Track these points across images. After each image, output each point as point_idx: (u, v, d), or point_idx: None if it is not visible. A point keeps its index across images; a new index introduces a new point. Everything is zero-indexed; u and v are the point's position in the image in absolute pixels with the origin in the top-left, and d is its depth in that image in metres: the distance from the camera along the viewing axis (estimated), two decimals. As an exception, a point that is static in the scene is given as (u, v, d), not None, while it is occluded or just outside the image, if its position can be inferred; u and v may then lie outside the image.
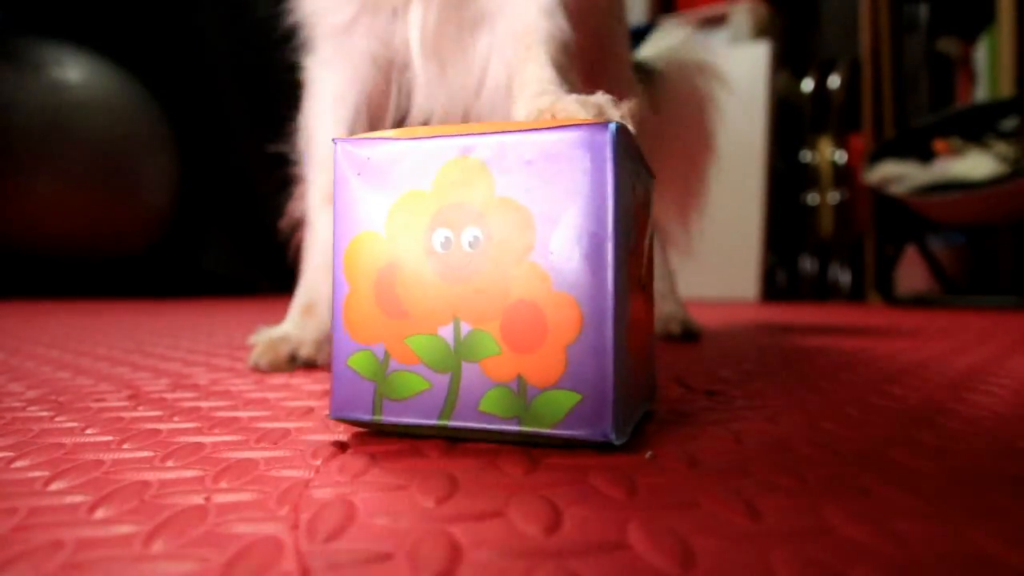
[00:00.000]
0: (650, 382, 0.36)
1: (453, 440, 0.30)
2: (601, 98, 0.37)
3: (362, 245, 0.30)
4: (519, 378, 0.28)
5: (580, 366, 0.27)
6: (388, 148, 0.30)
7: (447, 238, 0.29)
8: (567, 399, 0.27)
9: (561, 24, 0.50)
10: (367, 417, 0.30)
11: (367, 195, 0.30)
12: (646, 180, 0.34)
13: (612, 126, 0.27)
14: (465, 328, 0.28)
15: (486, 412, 0.28)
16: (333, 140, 0.32)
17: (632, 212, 0.29)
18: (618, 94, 0.41)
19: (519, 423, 0.28)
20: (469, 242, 0.28)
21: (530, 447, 0.29)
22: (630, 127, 0.33)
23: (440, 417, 0.29)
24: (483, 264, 0.28)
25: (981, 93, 1.90)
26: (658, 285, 0.73)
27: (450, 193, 0.29)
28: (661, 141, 0.78)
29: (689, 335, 0.76)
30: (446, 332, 0.29)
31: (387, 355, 0.29)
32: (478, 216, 0.28)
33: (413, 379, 0.29)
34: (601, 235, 0.27)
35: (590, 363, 0.27)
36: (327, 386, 0.45)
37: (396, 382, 0.29)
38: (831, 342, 0.77)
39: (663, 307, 0.78)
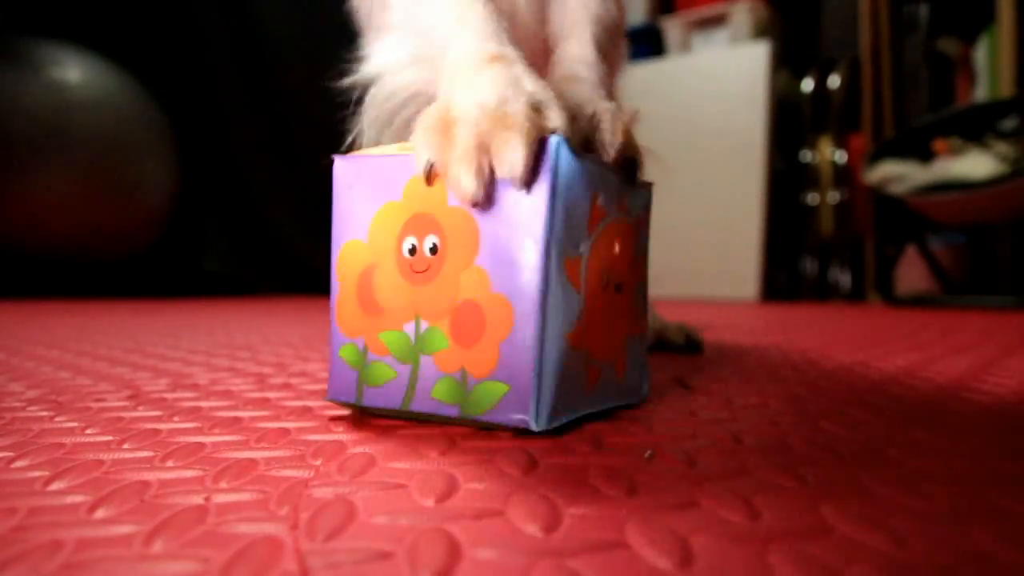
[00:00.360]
0: (631, 378, 0.38)
1: (452, 439, 0.30)
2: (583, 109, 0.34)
3: (350, 250, 0.34)
4: (463, 370, 0.31)
5: (510, 360, 0.30)
6: (371, 163, 0.33)
7: (413, 245, 0.32)
8: (498, 389, 0.30)
9: (609, 5, 0.49)
10: (352, 400, 0.34)
11: (356, 206, 0.34)
12: (623, 188, 0.35)
13: (552, 147, 0.29)
14: (424, 325, 0.32)
15: (436, 399, 0.32)
16: (332, 156, 0.35)
17: (586, 220, 0.31)
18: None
19: (460, 410, 0.31)
20: (430, 248, 0.32)
21: (518, 440, 0.29)
22: (607, 152, 0.34)
23: (403, 403, 0.33)
24: (439, 267, 0.31)
25: (981, 93, 1.90)
26: None
27: (416, 204, 0.32)
28: None
29: (692, 345, 0.66)
30: (409, 328, 0.32)
31: (366, 347, 0.34)
32: (436, 224, 0.31)
33: (385, 369, 0.33)
34: (534, 242, 0.29)
35: (518, 357, 0.30)
36: (326, 386, 0.45)
37: (373, 371, 0.33)
38: (831, 342, 0.77)
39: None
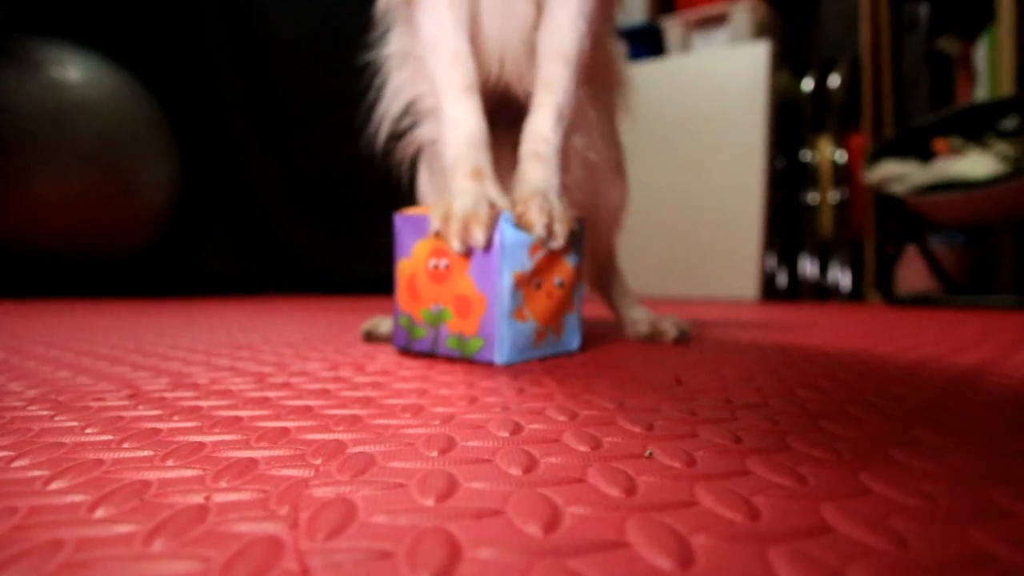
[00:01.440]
0: (566, 337, 0.61)
1: (452, 439, 0.30)
2: (541, 219, 0.53)
3: (405, 264, 0.59)
4: (460, 332, 0.56)
5: (484, 327, 0.54)
6: (413, 219, 0.58)
7: (435, 263, 0.56)
8: (479, 342, 0.55)
9: (582, 28, 0.61)
10: (405, 347, 0.60)
11: (405, 240, 0.59)
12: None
13: (500, 225, 0.52)
14: (441, 307, 0.57)
15: (449, 347, 0.57)
16: (393, 215, 0.59)
17: (528, 252, 0.54)
18: (607, 80, 0.68)
19: (461, 354, 0.56)
20: (444, 265, 0.56)
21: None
22: (555, 241, 0.54)
23: (431, 349, 0.58)
24: (448, 276, 0.56)
25: (981, 92, 1.90)
26: (624, 301, 0.83)
27: (436, 242, 0.56)
28: None
29: (683, 336, 0.76)
30: (434, 308, 0.57)
31: (412, 318, 0.59)
32: (447, 253, 0.55)
33: (422, 330, 0.58)
34: (495, 269, 0.53)
35: (488, 326, 0.54)
36: (327, 386, 0.45)
37: (416, 331, 0.59)
38: (831, 342, 0.77)
39: (633, 314, 0.80)
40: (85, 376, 0.48)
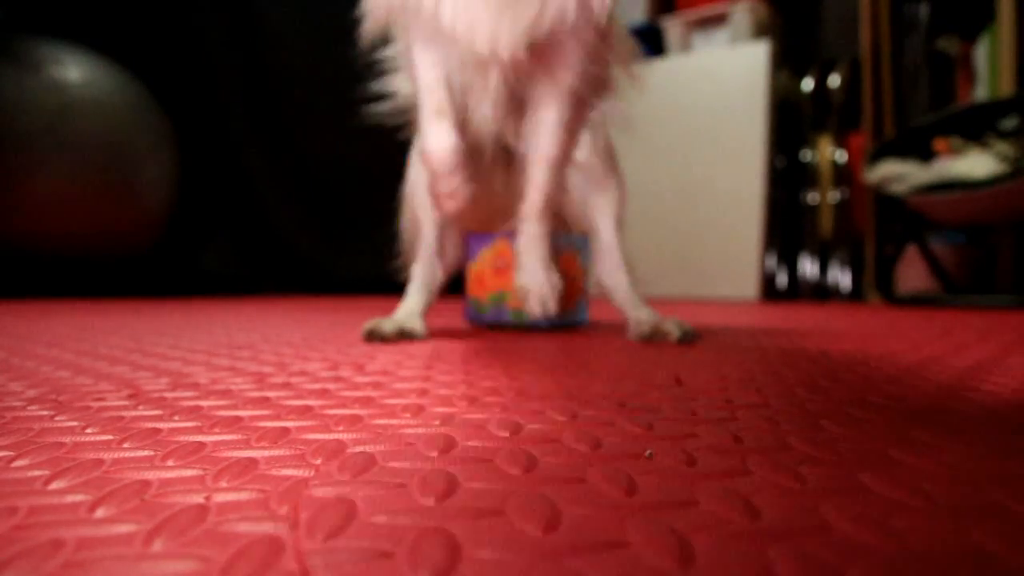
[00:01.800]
0: (580, 311, 0.92)
1: (453, 439, 0.30)
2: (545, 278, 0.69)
3: (472, 265, 0.90)
4: (519, 308, 0.80)
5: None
6: (481, 236, 0.89)
7: (497, 264, 0.87)
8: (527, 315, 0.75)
9: (586, 66, 0.66)
10: (474, 320, 0.92)
11: (476, 248, 0.89)
12: (566, 240, 0.89)
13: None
14: (502, 291, 0.88)
15: (509, 318, 0.89)
16: (467, 235, 0.89)
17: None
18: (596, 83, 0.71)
19: (519, 322, 0.88)
20: (503, 265, 0.86)
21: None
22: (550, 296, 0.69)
23: (495, 319, 0.90)
24: (506, 272, 0.85)
25: (981, 92, 1.90)
26: (625, 297, 0.86)
27: (498, 249, 0.87)
28: None
29: (687, 336, 0.76)
30: (498, 292, 0.89)
31: (479, 300, 0.91)
32: (503, 256, 0.85)
33: (487, 307, 0.90)
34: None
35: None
36: (327, 386, 0.45)
37: (482, 308, 0.91)
38: (831, 342, 0.77)
39: (637, 314, 0.81)
40: (85, 376, 0.48)
